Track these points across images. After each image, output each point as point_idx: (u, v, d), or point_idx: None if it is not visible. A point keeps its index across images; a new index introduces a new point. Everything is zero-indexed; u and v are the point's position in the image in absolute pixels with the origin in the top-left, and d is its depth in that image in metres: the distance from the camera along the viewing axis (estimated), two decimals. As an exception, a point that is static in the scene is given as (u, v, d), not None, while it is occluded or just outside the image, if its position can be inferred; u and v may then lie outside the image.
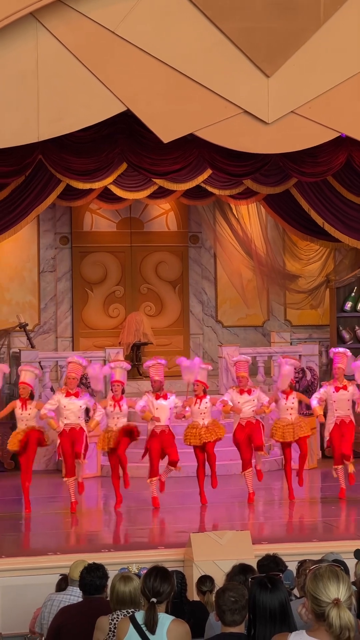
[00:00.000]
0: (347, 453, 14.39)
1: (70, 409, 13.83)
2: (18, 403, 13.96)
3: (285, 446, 14.58)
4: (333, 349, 15.25)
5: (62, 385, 14.77)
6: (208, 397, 14.28)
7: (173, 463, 13.98)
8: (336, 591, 4.51)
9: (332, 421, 14.58)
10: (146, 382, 17.83)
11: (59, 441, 13.91)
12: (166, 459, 14.07)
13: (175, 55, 14.54)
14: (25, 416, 13.86)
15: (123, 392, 14.16)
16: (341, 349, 15.09)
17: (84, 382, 16.48)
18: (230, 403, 14.24)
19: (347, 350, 15.10)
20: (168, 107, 14.71)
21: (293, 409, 14.44)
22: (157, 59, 14.50)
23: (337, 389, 14.57)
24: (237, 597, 5.78)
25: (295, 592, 8.03)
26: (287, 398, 14.45)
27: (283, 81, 14.91)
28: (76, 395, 13.89)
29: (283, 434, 14.38)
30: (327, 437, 14.68)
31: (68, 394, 13.89)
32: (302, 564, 8.12)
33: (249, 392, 14.36)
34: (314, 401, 14.61)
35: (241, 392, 14.35)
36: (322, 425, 15.18)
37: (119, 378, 14.15)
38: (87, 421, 14.34)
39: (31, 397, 14.03)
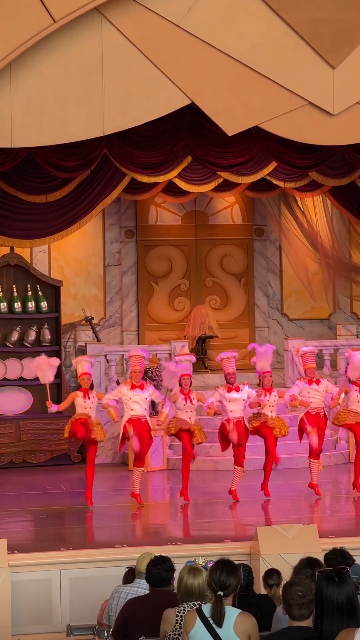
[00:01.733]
0: None
1: (136, 400, 13.85)
2: (79, 393, 13.99)
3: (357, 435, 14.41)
4: None
5: (127, 379, 14.80)
6: (276, 390, 14.26)
7: (239, 463, 13.93)
8: None
9: None
10: (212, 375, 17.87)
11: (122, 433, 13.90)
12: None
13: (239, 48, 14.49)
14: (89, 405, 13.89)
15: (190, 384, 14.19)
16: None
17: (149, 375, 16.53)
18: (299, 397, 14.16)
19: None
20: (232, 99, 14.67)
21: None
22: (222, 51, 14.46)
23: None
24: (305, 591, 5.75)
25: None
26: (359, 391, 14.32)
27: (348, 72, 14.80)
28: (141, 387, 13.91)
29: (355, 418, 14.22)
30: None
31: (133, 387, 13.91)
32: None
33: (317, 382, 14.30)
34: None
35: (309, 382, 14.29)
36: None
37: (186, 371, 14.16)
38: (152, 414, 14.38)
39: (91, 387, 14.08)
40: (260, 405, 14.03)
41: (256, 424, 14.07)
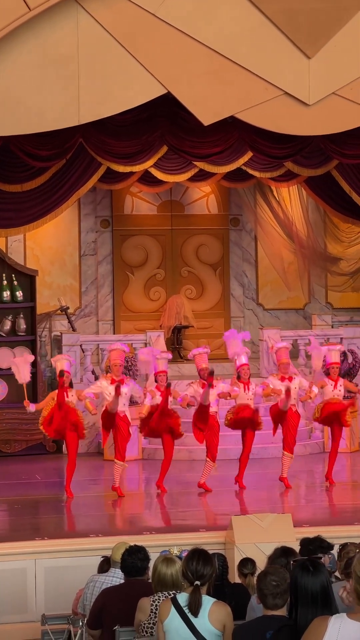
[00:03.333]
0: None
1: None
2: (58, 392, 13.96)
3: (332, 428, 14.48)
4: None
5: (104, 372, 14.77)
6: (253, 384, 14.27)
7: (212, 457, 13.95)
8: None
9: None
10: (187, 365, 17.88)
11: (101, 424, 13.90)
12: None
13: (216, 38, 14.48)
14: (68, 402, 13.85)
15: (167, 380, 14.15)
16: None
17: (125, 366, 16.52)
18: (271, 386, 14.19)
19: None
20: (209, 89, 14.66)
21: (340, 395, 14.33)
22: (198, 41, 14.45)
23: None
24: (279, 580, 5.77)
25: (337, 575, 8.02)
26: (335, 386, 14.34)
27: (324, 62, 14.82)
28: (121, 382, 13.89)
29: (328, 416, 14.26)
30: None
31: (113, 381, 13.89)
32: (343, 547, 8.12)
33: (290, 379, 14.27)
34: None
35: (282, 379, 14.28)
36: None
37: (163, 368, 14.17)
38: (131, 405, 14.37)
39: (70, 384, 14.06)
40: (230, 396, 14.05)
41: (234, 416, 14.07)
